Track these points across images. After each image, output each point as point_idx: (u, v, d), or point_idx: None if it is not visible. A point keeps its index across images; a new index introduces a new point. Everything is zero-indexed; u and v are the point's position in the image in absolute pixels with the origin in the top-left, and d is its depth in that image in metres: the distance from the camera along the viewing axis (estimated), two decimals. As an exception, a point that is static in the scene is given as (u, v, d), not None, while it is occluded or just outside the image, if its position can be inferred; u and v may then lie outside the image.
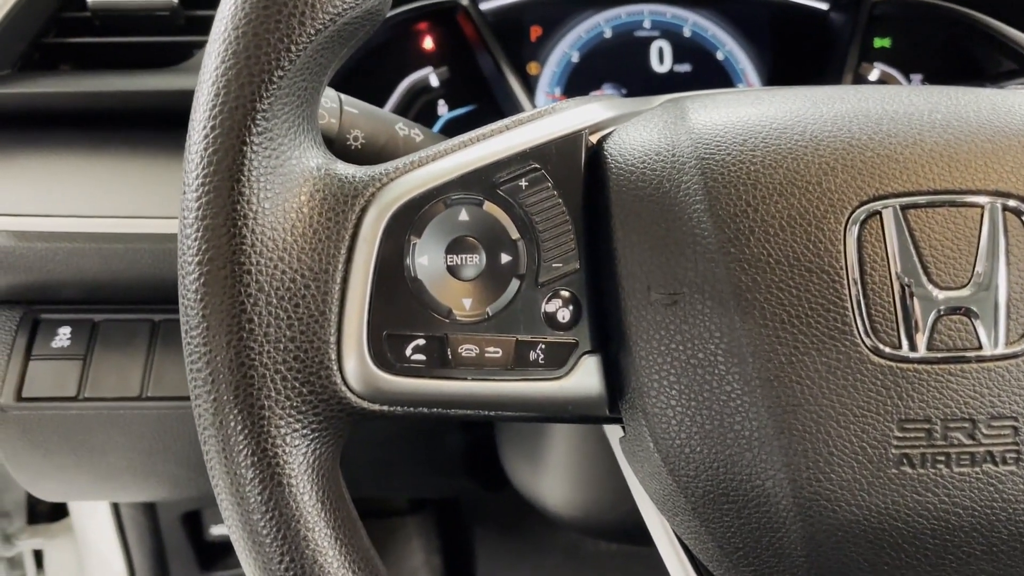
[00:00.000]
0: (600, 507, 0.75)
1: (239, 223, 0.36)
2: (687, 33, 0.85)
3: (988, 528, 0.37)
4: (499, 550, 1.22)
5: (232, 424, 0.36)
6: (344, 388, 0.38)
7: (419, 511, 1.18)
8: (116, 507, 1.02)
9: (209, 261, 0.36)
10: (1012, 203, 0.37)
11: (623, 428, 0.42)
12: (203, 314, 0.36)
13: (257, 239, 0.36)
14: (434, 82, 0.81)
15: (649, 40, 0.84)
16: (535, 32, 0.84)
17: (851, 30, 0.81)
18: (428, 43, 0.80)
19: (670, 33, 0.85)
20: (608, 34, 0.84)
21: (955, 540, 0.37)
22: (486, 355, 0.39)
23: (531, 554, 1.21)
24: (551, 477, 0.76)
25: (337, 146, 0.50)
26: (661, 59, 0.85)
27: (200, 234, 0.36)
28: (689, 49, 0.85)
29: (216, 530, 1.09)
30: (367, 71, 0.78)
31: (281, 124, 0.37)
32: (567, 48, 0.84)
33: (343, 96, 0.51)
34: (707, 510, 0.39)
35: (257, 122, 0.36)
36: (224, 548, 1.10)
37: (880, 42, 0.83)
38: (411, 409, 0.40)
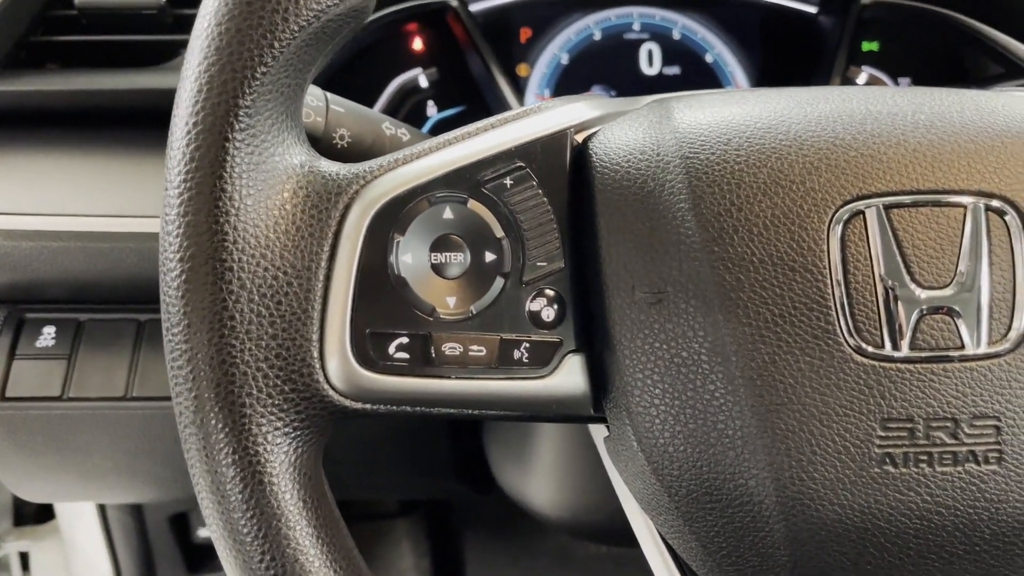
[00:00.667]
0: (586, 508, 0.75)
1: (221, 220, 0.36)
2: (676, 35, 0.85)
3: (970, 527, 0.37)
4: (489, 553, 1.21)
5: (213, 422, 0.36)
6: (326, 386, 0.38)
7: (409, 514, 1.18)
8: (103, 509, 1.02)
9: (191, 258, 0.36)
10: (995, 203, 0.37)
11: (607, 427, 0.42)
12: (184, 311, 0.36)
13: (239, 236, 0.36)
14: (423, 83, 0.80)
15: (639, 42, 0.85)
16: (525, 34, 0.84)
17: (839, 33, 0.81)
18: (418, 44, 0.80)
19: (659, 35, 0.85)
20: (597, 36, 0.84)
21: (938, 539, 0.37)
22: (470, 353, 0.39)
23: (521, 557, 1.21)
24: (537, 478, 0.76)
25: (323, 145, 0.50)
26: (650, 61, 0.85)
27: (182, 231, 0.36)
28: (678, 51, 0.85)
29: (204, 532, 1.08)
30: (356, 71, 0.78)
31: (264, 121, 0.37)
32: (557, 50, 0.84)
33: (329, 95, 0.50)
34: (690, 509, 0.39)
35: (240, 118, 0.36)
36: (212, 550, 1.09)
37: (868, 45, 0.83)
38: (394, 407, 0.40)
